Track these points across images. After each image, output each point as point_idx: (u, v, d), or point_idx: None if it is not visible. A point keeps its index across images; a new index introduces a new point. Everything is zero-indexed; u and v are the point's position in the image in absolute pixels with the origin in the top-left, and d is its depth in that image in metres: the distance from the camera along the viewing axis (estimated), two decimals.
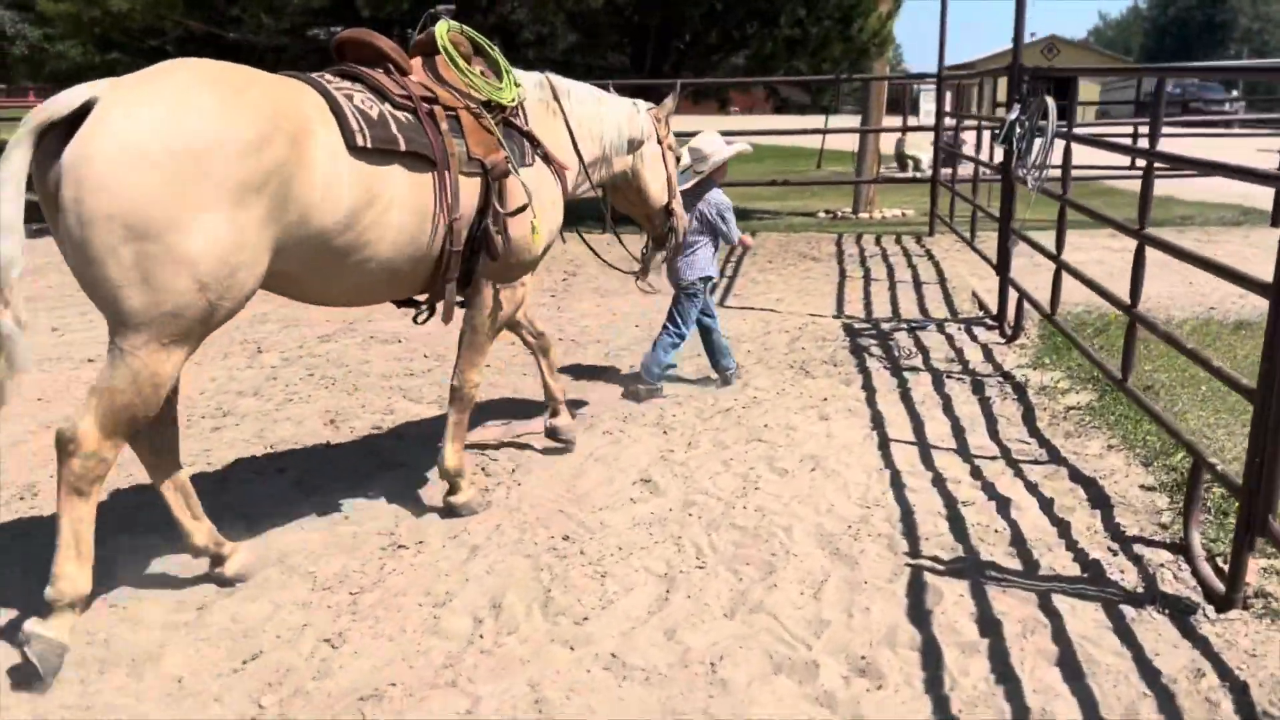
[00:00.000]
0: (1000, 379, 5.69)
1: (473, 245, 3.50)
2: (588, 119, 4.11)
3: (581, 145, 4.06)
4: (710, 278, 5.53)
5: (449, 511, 3.89)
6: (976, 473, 4.33)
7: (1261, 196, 13.03)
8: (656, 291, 5.17)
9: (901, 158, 16.96)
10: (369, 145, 3.01)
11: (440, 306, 3.63)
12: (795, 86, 13.13)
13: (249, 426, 4.96)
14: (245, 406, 5.29)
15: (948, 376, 5.75)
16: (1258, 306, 7.06)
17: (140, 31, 10.91)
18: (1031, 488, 4.15)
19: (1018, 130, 6.04)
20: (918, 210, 12.42)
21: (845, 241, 10.82)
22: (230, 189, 2.63)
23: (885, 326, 6.98)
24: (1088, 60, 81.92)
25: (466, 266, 3.55)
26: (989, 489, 4.14)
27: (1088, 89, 55.77)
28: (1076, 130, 5.74)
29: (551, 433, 4.59)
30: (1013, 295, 6.51)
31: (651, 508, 3.99)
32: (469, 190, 3.39)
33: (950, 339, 6.62)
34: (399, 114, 3.20)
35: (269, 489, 4.18)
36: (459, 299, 3.70)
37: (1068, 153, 5.46)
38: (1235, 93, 40.45)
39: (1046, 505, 3.97)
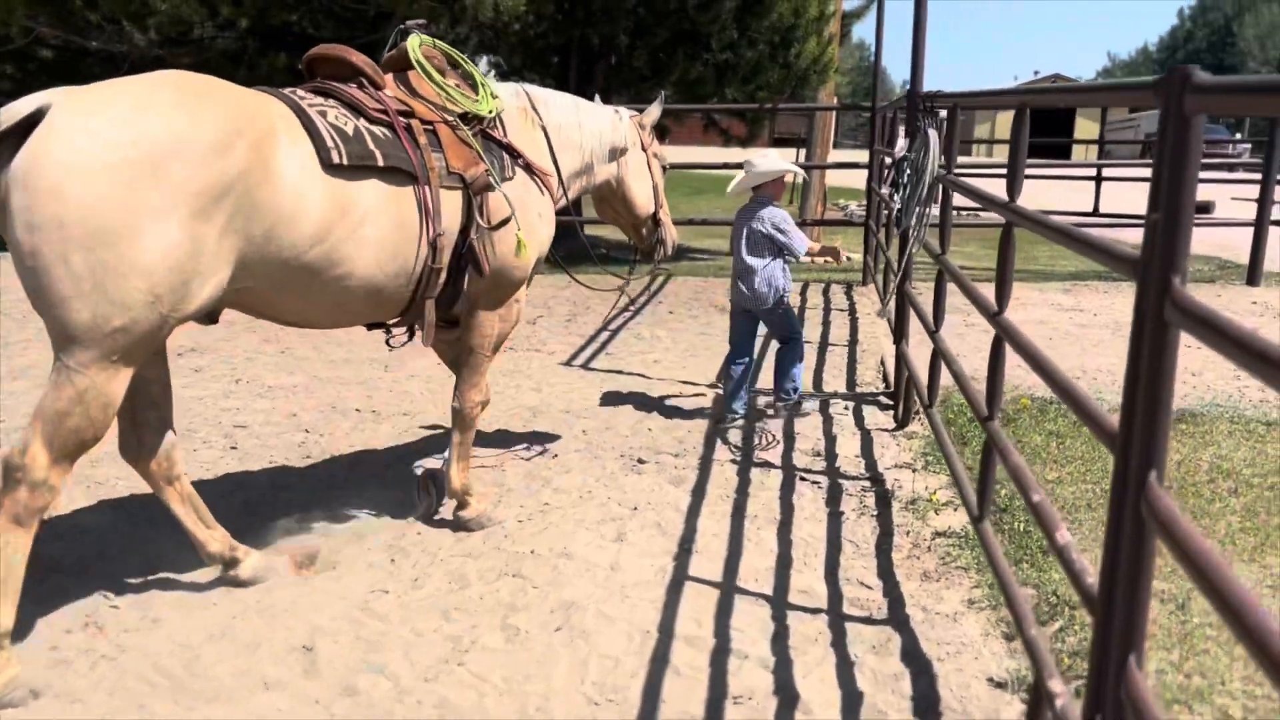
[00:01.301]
0: (868, 483, 4.50)
1: (458, 262, 3.44)
2: (567, 127, 4.04)
3: (561, 155, 3.99)
4: (787, 292, 5.37)
5: (459, 525, 3.90)
6: (781, 639, 3.14)
7: (1242, 247, 11.88)
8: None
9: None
10: (345, 162, 2.96)
11: (419, 327, 3.57)
12: (732, 117, 12.01)
13: None
14: None
15: (805, 477, 4.57)
16: (1227, 391, 5.87)
17: None
18: (844, 670, 2.97)
19: (906, 171, 4.90)
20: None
21: None
22: (189, 195, 2.57)
23: (763, 400, 5.80)
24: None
25: (453, 285, 3.47)
26: (782, 672, 2.95)
27: (1087, 127, 54.87)
28: (966, 170, 4.56)
29: (233, 580, 3.41)
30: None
31: (287, 699, 2.80)
32: (450, 205, 3.35)
33: (830, 421, 5.44)
34: (375, 129, 3.16)
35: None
36: (446, 320, 3.69)
37: (945, 199, 4.30)
38: (1239, 135, 39.35)
39: (851, 707, 2.78)
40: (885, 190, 5.33)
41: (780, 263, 5.31)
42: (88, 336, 2.53)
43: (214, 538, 3.30)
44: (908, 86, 6.03)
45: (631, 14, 10.12)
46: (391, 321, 3.58)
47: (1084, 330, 7.71)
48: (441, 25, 10.07)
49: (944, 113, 4.72)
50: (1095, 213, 10.79)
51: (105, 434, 2.73)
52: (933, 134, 4.41)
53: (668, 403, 5.78)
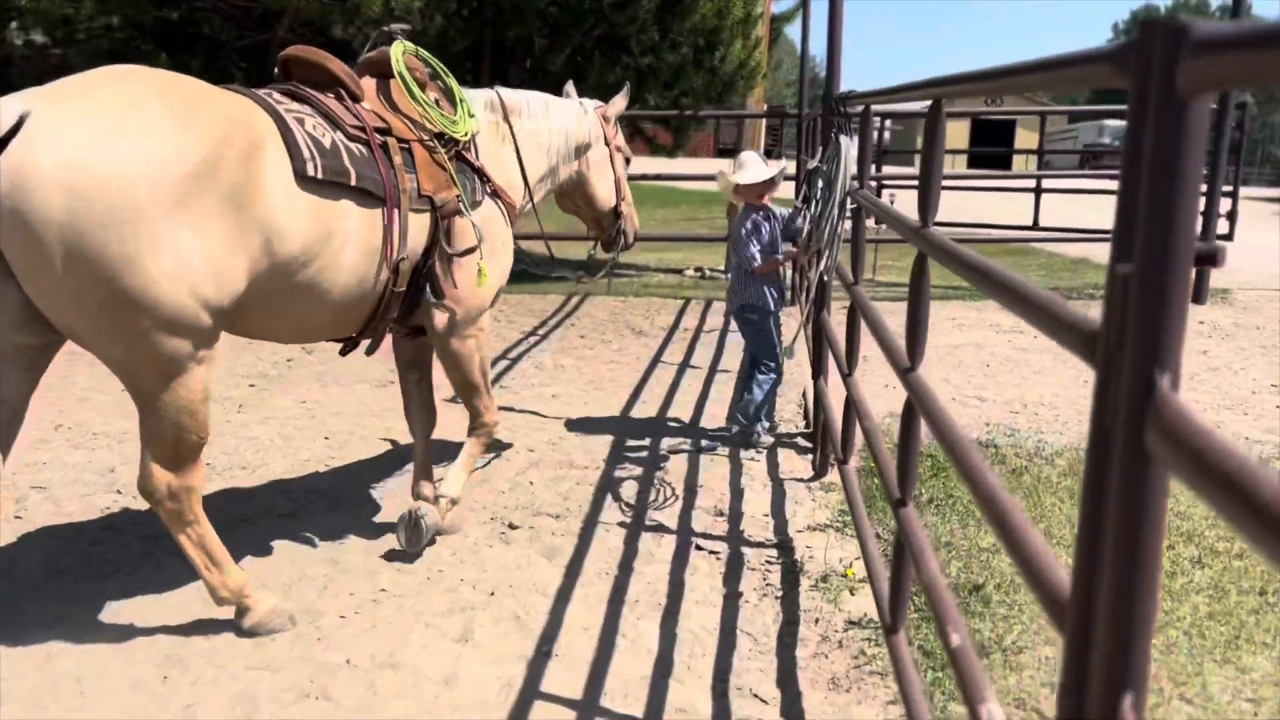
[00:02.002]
0: (774, 552, 3.82)
1: (416, 281, 3.35)
2: (538, 133, 3.97)
3: (529, 166, 3.93)
4: (758, 307, 4.95)
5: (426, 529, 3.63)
6: None
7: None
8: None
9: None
10: (320, 176, 2.85)
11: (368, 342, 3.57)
12: (658, 124, 11.33)
13: None
14: None
15: (702, 545, 3.87)
16: None
17: None
18: None
19: (819, 185, 4.24)
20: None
21: (689, 311, 8.97)
22: (190, 213, 2.48)
23: (667, 444, 5.10)
24: (1035, 103, 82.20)
25: (409, 304, 3.40)
26: None
27: (1027, 137, 55.18)
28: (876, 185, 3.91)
29: None
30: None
31: None
32: (417, 228, 3.26)
33: (739, 470, 4.75)
34: (352, 145, 3.04)
35: None
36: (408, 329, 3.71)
37: (857, 220, 3.64)
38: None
39: None
40: (796, 204, 4.69)
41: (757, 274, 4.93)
42: (129, 366, 2.62)
43: (221, 581, 3.05)
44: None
45: (543, 14, 9.40)
46: (344, 337, 3.47)
47: (1024, 355, 7.15)
48: (337, 26, 9.31)
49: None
50: (1035, 226, 10.31)
51: (208, 434, 2.88)
52: (846, 141, 3.76)
53: (559, 448, 5.05)
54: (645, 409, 5.81)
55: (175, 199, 2.45)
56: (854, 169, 3.76)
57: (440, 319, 3.50)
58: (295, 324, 3.07)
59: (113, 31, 10.21)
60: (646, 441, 5.17)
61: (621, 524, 4.08)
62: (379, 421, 5.43)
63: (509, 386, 6.27)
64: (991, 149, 15.90)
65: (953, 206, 18.02)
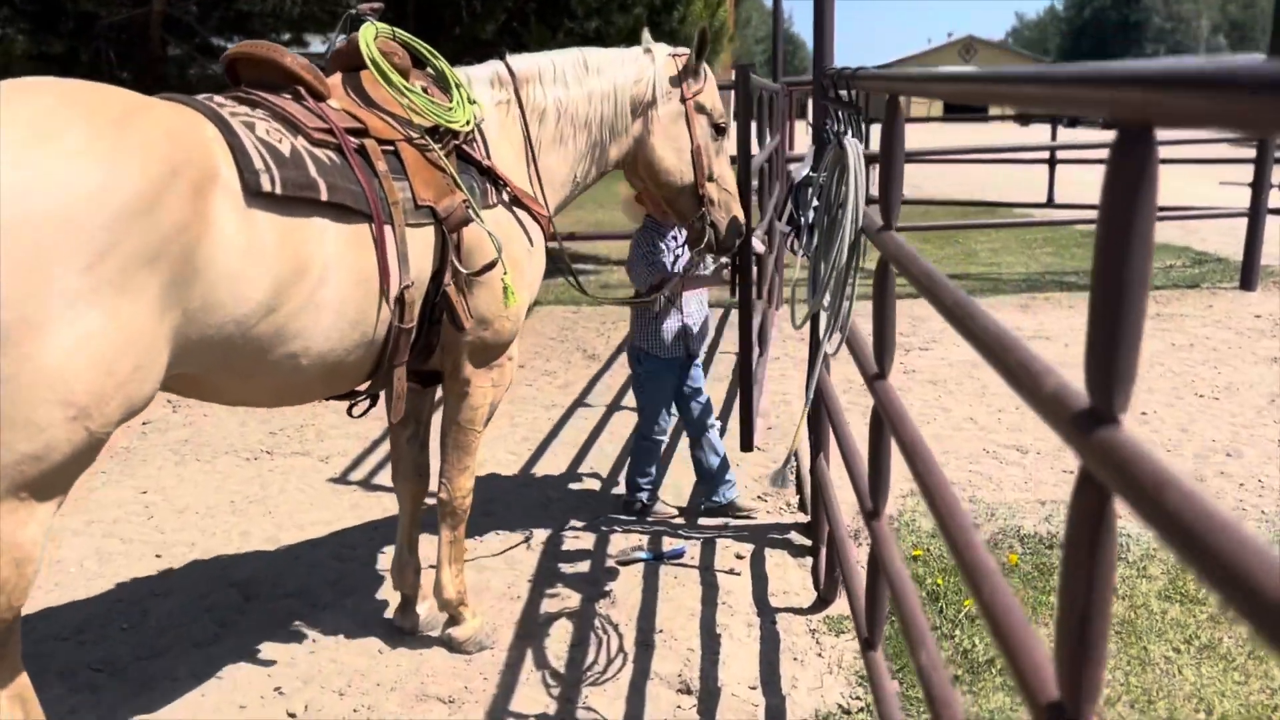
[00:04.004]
0: None
1: (430, 312, 2.72)
2: (571, 104, 3.11)
3: (559, 150, 3.11)
4: (650, 354, 3.92)
5: (451, 647, 3.14)
6: None
7: (1214, 237, 10.27)
8: None
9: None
10: (278, 191, 2.23)
11: (385, 397, 2.86)
12: None
13: None
14: None
15: None
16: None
17: None
18: None
19: (812, 202, 2.91)
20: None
21: None
22: (114, 266, 1.88)
23: (615, 550, 3.80)
24: (1005, 61, 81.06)
25: (425, 339, 2.77)
26: None
27: None
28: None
29: None
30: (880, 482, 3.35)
31: None
32: (420, 248, 2.63)
33: (712, 594, 3.45)
34: (318, 152, 2.43)
35: None
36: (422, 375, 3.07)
37: (884, 276, 2.28)
38: None
39: None
40: (783, 228, 3.36)
41: (664, 303, 3.84)
42: None
43: None
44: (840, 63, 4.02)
45: None
46: (351, 391, 2.83)
47: (1065, 370, 5.85)
48: None
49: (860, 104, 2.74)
50: (1050, 202, 9.00)
51: (24, 601, 1.95)
52: (854, 147, 2.41)
53: (470, 561, 3.73)
54: (593, 470, 4.51)
55: (98, 248, 1.87)
56: (865, 189, 2.42)
57: (459, 347, 2.90)
58: (273, 385, 2.46)
59: None
60: (588, 542, 3.86)
61: (542, 717, 2.78)
62: (227, 527, 4.09)
63: None
64: (966, 115, 14.12)
65: (960, 179, 16.72)
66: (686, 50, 3.40)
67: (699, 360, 4.02)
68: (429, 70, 2.93)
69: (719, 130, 3.45)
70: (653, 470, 4.06)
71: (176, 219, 2.02)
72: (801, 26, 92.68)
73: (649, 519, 4.04)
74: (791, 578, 3.57)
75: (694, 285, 3.84)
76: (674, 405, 4.01)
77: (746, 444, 3.98)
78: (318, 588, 3.57)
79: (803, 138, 11.47)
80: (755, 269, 4.06)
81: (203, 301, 2.13)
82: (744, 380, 3.94)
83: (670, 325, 3.86)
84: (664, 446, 4.09)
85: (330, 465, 4.78)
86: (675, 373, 3.93)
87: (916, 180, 16.98)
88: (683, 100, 3.35)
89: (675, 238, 3.85)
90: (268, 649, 3.17)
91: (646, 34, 3.52)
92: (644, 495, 4.06)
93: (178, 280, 2.05)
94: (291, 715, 2.84)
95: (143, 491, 4.47)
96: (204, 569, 3.73)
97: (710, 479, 4.02)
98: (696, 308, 3.91)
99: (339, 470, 4.71)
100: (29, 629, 3.28)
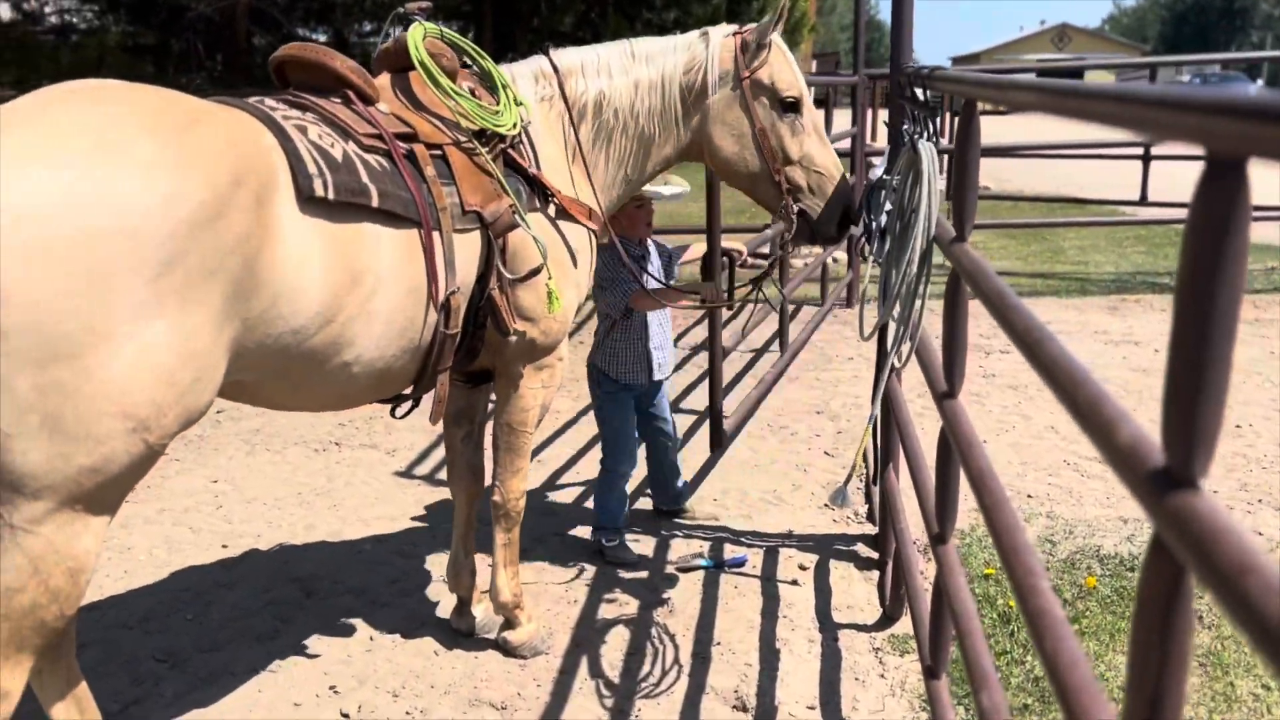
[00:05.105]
0: None
1: (474, 317, 2.69)
2: (614, 96, 2.97)
3: (607, 150, 3.02)
4: (609, 377, 3.69)
5: (506, 651, 3.14)
6: None
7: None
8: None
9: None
10: (331, 196, 2.20)
11: (428, 399, 2.75)
12: None
13: None
14: None
15: None
16: None
17: None
18: None
19: (884, 206, 2.79)
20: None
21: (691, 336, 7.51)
22: (178, 277, 1.87)
23: (675, 556, 3.72)
24: (1100, 50, 78.01)
25: (470, 346, 2.76)
26: None
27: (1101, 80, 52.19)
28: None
29: None
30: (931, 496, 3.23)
31: None
32: (465, 253, 2.59)
33: (773, 605, 3.35)
34: (369, 157, 2.39)
35: None
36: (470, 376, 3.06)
37: (956, 289, 2.14)
38: (1260, 81, 36.50)
39: None
40: (855, 230, 3.23)
41: (626, 322, 3.62)
42: (38, 483, 1.80)
43: None
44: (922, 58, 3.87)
45: None
46: (395, 395, 2.82)
47: (1146, 379, 5.59)
48: None
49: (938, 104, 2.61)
50: (1143, 200, 8.63)
51: (76, 609, 1.96)
52: (928, 151, 2.29)
53: (530, 548, 3.70)
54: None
55: (163, 259, 1.86)
56: (938, 196, 2.30)
57: (513, 355, 2.89)
58: (324, 393, 2.48)
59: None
60: (648, 547, 3.80)
61: None
62: (289, 518, 4.13)
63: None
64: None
65: (1048, 173, 16.18)
66: (752, 26, 3.14)
67: (665, 387, 3.82)
68: (474, 70, 2.87)
69: (788, 107, 3.07)
70: (619, 509, 3.75)
71: (239, 230, 2.01)
72: (889, 13, 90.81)
73: (709, 527, 3.96)
74: (856, 592, 3.46)
75: (672, 299, 3.54)
76: (636, 431, 3.80)
77: (716, 442, 3.91)
78: (377, 585, 3.58)
79: (884, 131, 11.19)
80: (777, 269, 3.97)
81: (261, 312, 2.12)
82: (713, 380, 3.88)
83: (631, 347, 3.63)
84: (627, 482, 3.80)
85: (397, 458, 4.81)
86: (636, 397, 3.74)
87: (1003, 174, 16.48)
88: (738, 81, 3.06)
89: (643, 255, 3.60)
90: (325, 646, 3.19)
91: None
92: (604, 536, 3.73)
93: (239, 291, 2.04)
94: (345, 715, 2.85)
95: (214, 480, 4.56)
96: (268, 561, 3.77)
97: (664, 489, 4.01)
98: (658, 329, 3.67)
99: (405, 464, 4.73)
100: (98, 615, 3.36)
